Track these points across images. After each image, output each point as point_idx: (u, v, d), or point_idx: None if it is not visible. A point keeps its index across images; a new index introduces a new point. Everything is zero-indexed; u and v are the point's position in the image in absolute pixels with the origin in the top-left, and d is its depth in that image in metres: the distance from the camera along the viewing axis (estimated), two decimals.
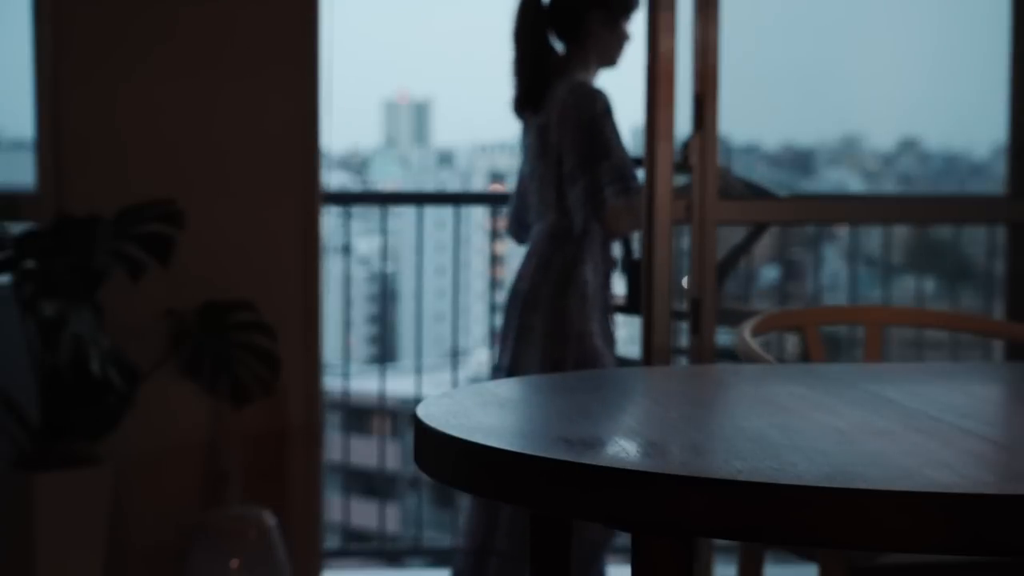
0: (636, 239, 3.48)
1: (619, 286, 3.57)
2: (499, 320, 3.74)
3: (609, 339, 3.44)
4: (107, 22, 3.57)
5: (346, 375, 5.37)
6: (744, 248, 3.55)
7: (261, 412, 3.59)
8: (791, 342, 3.85)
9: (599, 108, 3.34)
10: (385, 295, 8.30)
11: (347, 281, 5.36)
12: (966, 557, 2.10)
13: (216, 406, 3.59)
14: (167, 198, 3.41)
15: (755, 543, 2.39)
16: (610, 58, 3.47)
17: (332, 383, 5.07)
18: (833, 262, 5.94)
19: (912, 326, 3.64)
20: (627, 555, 4.00)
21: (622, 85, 3.58)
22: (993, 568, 2.21)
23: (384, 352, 7.05)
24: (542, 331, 3.36)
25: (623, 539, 3.70)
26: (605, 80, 3.50)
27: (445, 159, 31.16)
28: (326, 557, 3.88)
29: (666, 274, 3.24)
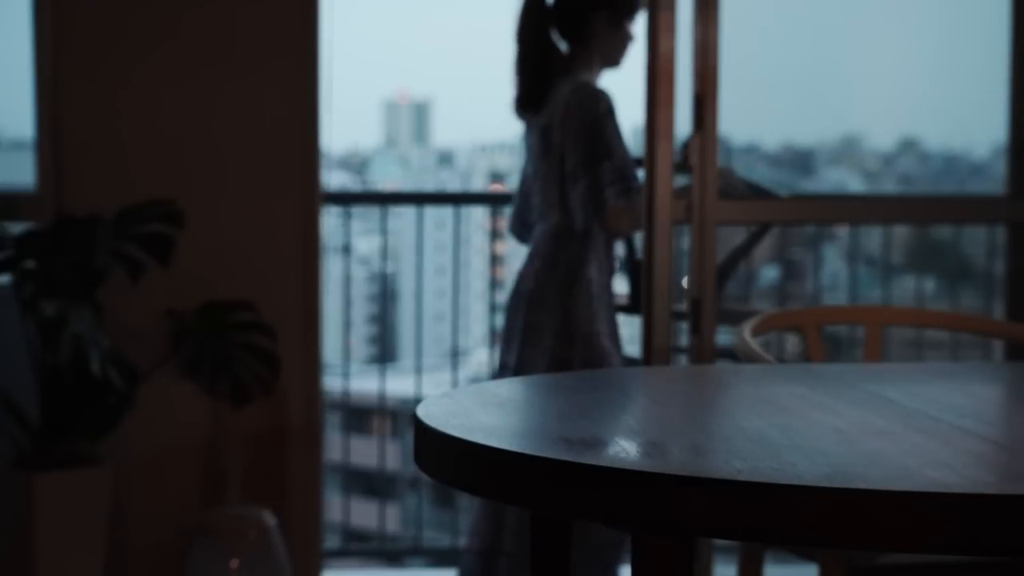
0: (639, 239, 3.49)
1: (621, 286, 3.57)
2: (499, 320, 3.74)
3: (615, 338, 3.44)
4: (107, 22, 3.57)
5: (346, 375, 5.37)
6: (748, 248, 3.55)
7: (261, 412, 3.59)
8: (791, 342, 3.85)
9: (602, 108, 3.34)
10: (385, 295, 8.30)
11: (347, 281, 5.36)
12: (966, 557, 2.10)
13: (216, 406, 3.59)
14: (167, 198, 3.41)
15: (755, 543, 2.39)
16: (614, 59, 3.47)
17: (332, 383, 5.07)
18: (833, 262, 5.94)
19: (912, 326, 3.64)
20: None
21: (622, 85, 3.57)
22: (993, 568, 2.21)
23: (384, 352, 7.05)
24: (549, 331, 3.36)
25: None
26: (605, 80, 3.51)
27: (445, 159, 31.16)
28: (326, 557, 3.88)
29: (666, 274, 3.24)
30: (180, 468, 3.62)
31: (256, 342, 3.47)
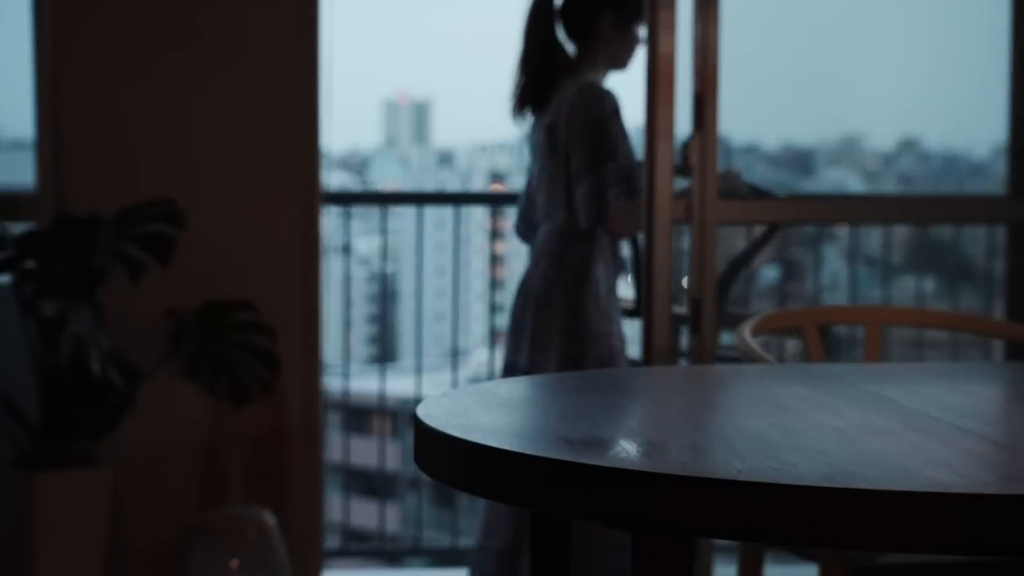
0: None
1: (625, 289, 3.56)
2: (500, 320, 3.74)
3: (622, 339, 3.45)
4: (107, 22, 3.57)
5: (346, 375, 5.37)
6: (755, 251, 3.56)
7: (261, 412, 3.59)
8: (791, 343, 3.85)
9: (608, 108, 3.34)
10: (385, 295, 8.30)
11: (347, 281, 5.36)
12: (966, 557, 2.10)
13: (216, 406, 3.59)
14: (167, 198, 3.41)
15: (755, 543, 2.39)
16: (620, 61, 3.47)
17: (332, 383, 5.07)
18: (833, 262, 5.94)
19: (912, 326, 3.64)
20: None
21: (622, 85, 3.58)
22: (993, 568, 2.21)
23: (384, 352, 7.05)
24: (558, 331, 3.36)
25: None
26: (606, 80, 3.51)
27: (445, 159, 31.18)
28: (326, 557, 3.88)
29: (666, 274, 3.24)
30: (180, 468, 3.62)
31: (256, 342, 3.47)
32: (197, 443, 3.62)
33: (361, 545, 5.36)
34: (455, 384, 4.99)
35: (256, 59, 3.61)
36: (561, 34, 3.47)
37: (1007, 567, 2.20)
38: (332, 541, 4.59)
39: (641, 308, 3.37)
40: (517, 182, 3.71)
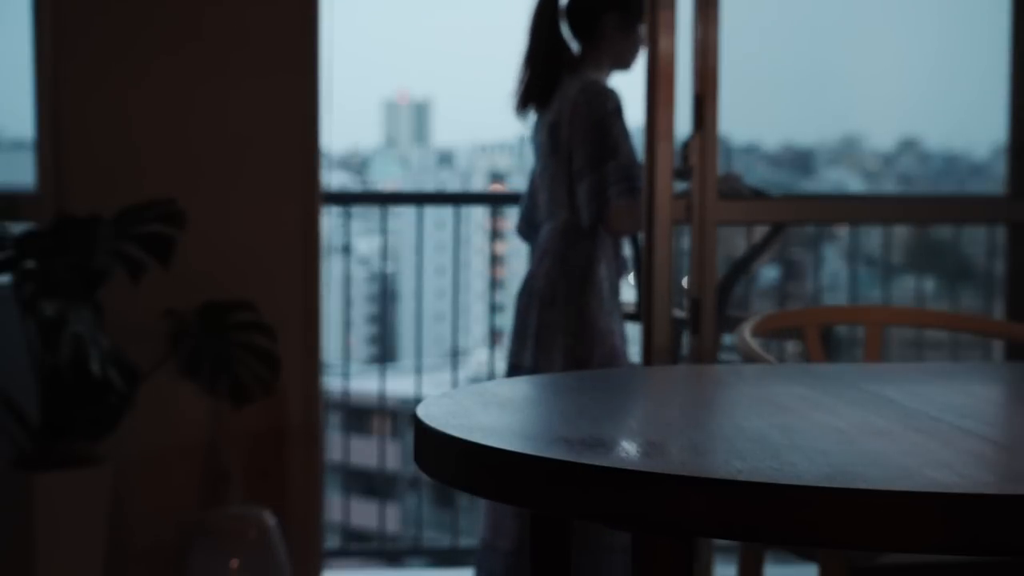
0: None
1: (627, 292, 3.56)
2: (499, 320, 3.74)
3: (624, 339, 3.45)
4: (107, 22, 3.57)
5: (346, 375, 5.37)
6: (759, 252, 3.56)
7: (261, 412, 3.59)
8: (791, 345, 3.84)
9: (610, 107, 3.34)
10: (385, 295, 8.30)
11: (347, 281, 5.36)
12: (966, 557, 2.10)
13: (216, 406, 3.59)
14: (167, 198, 3.41)
15: (755, 543, 2.39)
16: (624, 61, 3.47)
17: (332, 383, 5.07)
18: (833, 262, 5.94)
19: (912, 326, 3.64)
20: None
21: (622, 85, 3.58)
22: (993, 568, 2.21)
23: (384, 352, 7.05)
24: (562, 330, 3.36)
25: None
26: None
27: (445, 159, 31.18)
28: (326, 557, 3.88)
29: (666, 275, 3.24)
30: (180, 468, 3.62)
31: (256, 342, 3.47)
32: (197, 443, 3.62)
33: (361, 545, 5.36)
34: (455, 384, 4.99)
35: (256, 59, 3.61)
36: (566, 32, 3.47)
37: (1007, 567, 2.20)
38: (332, 541, 4.59)
39: (641, 309, 3.37)
40: (517, 182, 3.71)
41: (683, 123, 3.27)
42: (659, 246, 3.23)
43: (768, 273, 5.04)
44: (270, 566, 3.40)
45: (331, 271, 4.73)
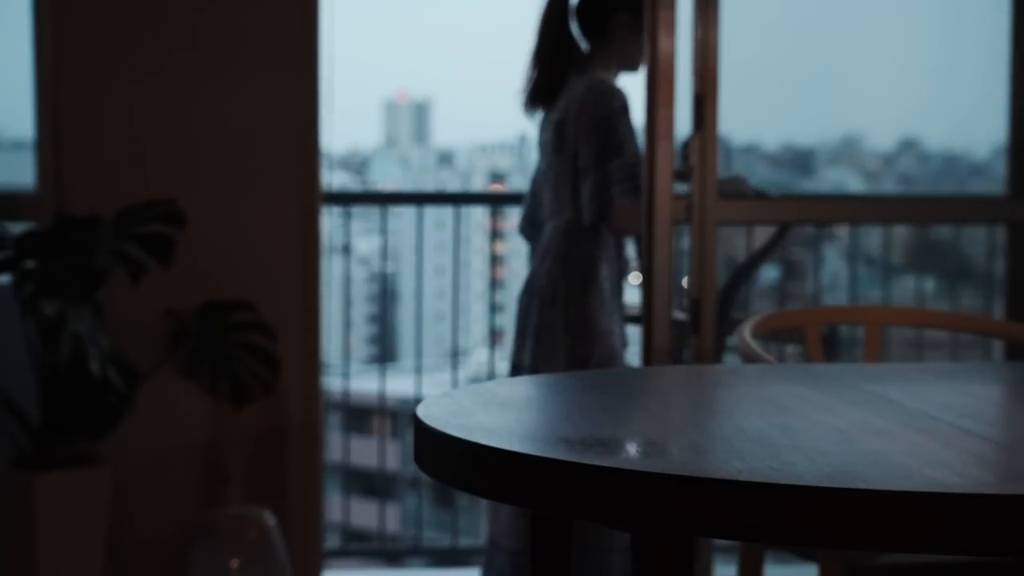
0: None
1: (630, 295, 3.56)
2: (500, 320, 3.73)
3: (623, 340, 3.44)
4: (107, 22, 3.57)
5: (346, 375, 5.37)
6: (764, 255, 3.56)
7: (261, 412, 3.59)
8: (791, 348, 3.84)
9: (616, 106, 3.34)
10: (385, 295, 8.30)
11: (347, 281, 5.36)
12: (966, 557, 2.10)
13: (216, 406, 3.59)
14: (167, 198, 3.41)
15: (755, 543, 2.39)
16: (632, 62, 3.46)
17: (332, 383, 5.07)
18: (833, 262, 5.94)
19: (912, 326, 3.64)
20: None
21: (623, 85, 3.58)
22: (993, 568, 2.21)
23: (384, 352, 7.05)
24: (563, 329, 3.35)
25: None
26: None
27: (445, 159, 31.17)
28: (326, 557, 3.88)
29: (666, 274, 3.24)
30: (180, 468, 3.62)
31: (256, 342, 3.47)
32: (197, 443, 3.62)
33: (361, 545, 5.36)
34: (455, 384, 4.99)
35: (256, 59, 3.61)
36: (575, 31, 3.47)
37: (1007, 567, 2.20)
38: (332, 541, 4.59)
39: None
40: (517, 182, 3.71)
41: (683, 123, 3.27)
42: (659, 246, 3.23)
43: (768, 273, 5.04)
44: (270, 566, 3.40)
45: (331, 271, 4.73)
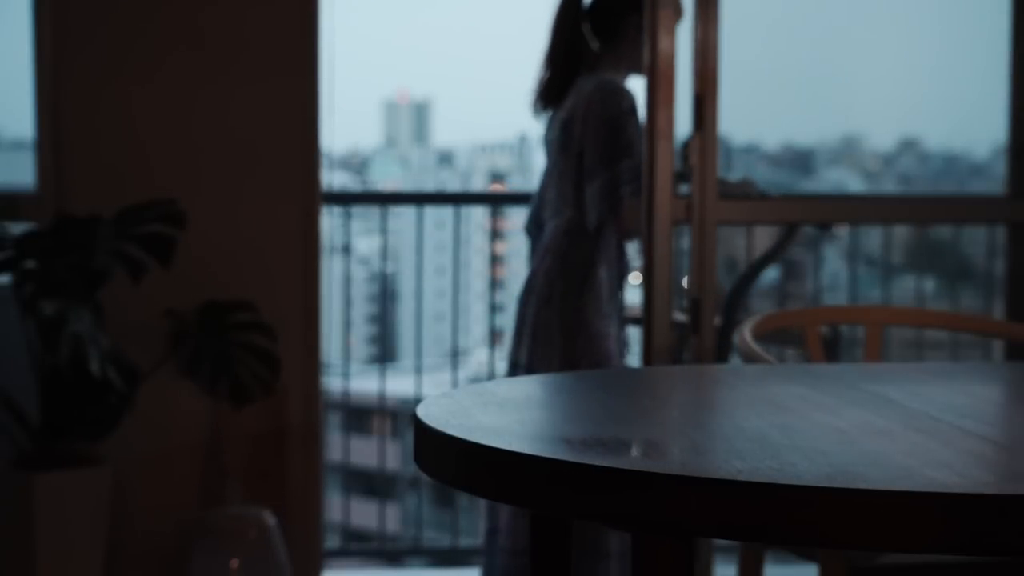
0: None
1: (634, 297, 3.55)
2: (500, 320, 3.74)
3: (623, 345, 3.44)
4: (107, 22, 3.57)
5: (346, 375, 5.37)
6: (778, 251, 3.56)
7: (261, 412, 3.59)
8: (790, 352, 3.84)
9: (625, 106, 3.34)
10: (385, 295, 8.30)
11: (347, 281, 5.36)
12: (966, 557, 2.10)
13: (216, 406, 3.59)
14: (167, 198, 3.41)
15: (755, 543, 2.39)
16: (642, 65, 3.46)
17: (332, 383, 5.07)
18: (833, 262, 5.94)
19: (912, 326, 3.64)
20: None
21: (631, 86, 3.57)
22: (993, 568, 2.21)
23: (384, 352, 7.05)
24: (558, 329, 3.35)
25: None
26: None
27: (445, 159, 31.16)
28: (326, 557, 3.88)
29: (666, 274, 3.24)
30: (180, 468, 3.62)
31: (256, 342, 3.47)
32: (197, 443, 3.62)
33: (361, 545, 5.36)
34: (455, 384, 4.99)
35: (256, 59, 3.61)
36: (587, 31, 3.46)
37: (1007, 567, 2.20)
38: (332, 541, 4.59)
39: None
40: (517, 182, 3.71)
41: (683, 123, 3.27)
42: (659, 246, 3.23)
43: (768, 273, 5.04)
44: (270, 566, 3.40)
45: (331, 271, 4.73)
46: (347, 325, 5.31)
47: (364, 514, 6.49)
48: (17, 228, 3.43)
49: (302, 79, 3.60)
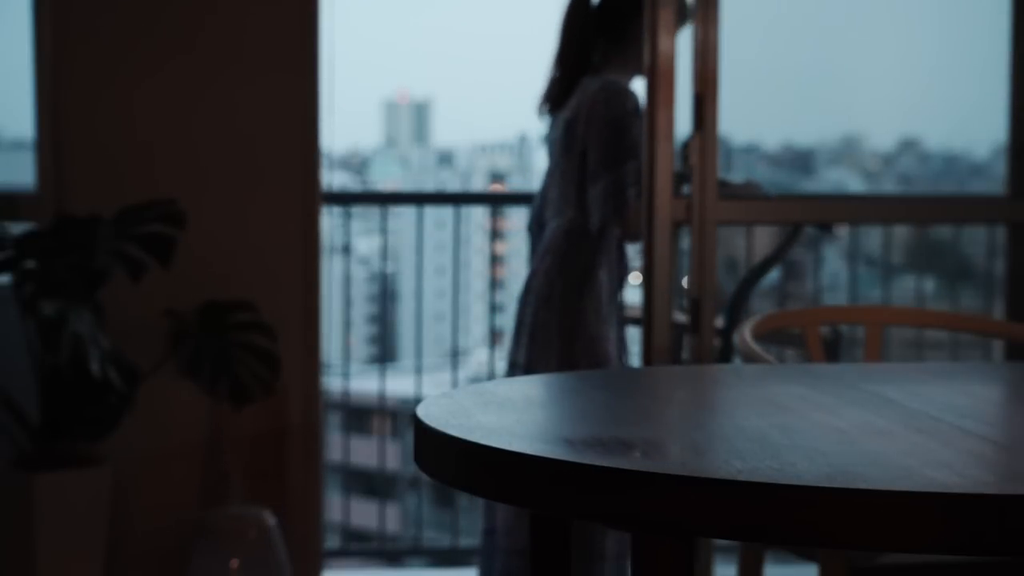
0: None
1: (635, 296, 3.55)
2: (500, 320, 3.74)
3: (622, 347, 3.43)
4: (107, 22, 3.57)
5: (346, 375, 5.37)
6: (782, 252, 3.56)
7: (261, 412, 3.59)
8: (790, 352, 3.84)
9: (629, 107, 3.33)
10: (385, 295, 8.30)
11: (347, 281, 5.36)
12: (966, 557, 2.10)
13: (216, 406, 3.59)
14: (167, 198, 3.41)
15: (755, 543, 2.39)
16: None
17: (332, 383, 5.07)
18: (833, 262, 5.94)
19: (912, 326, 3.64)
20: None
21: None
22: (993, 568, 2.21)
23: (384, 352, 7.05)
24: (557, 330, 3.35)
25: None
26: None
27: (445, 159, 31.15)
28: (326, 557, 3.88)
29: (666, 275, 3.24)
30: (180, 468, 3.62)
31: (256, 342, 3.47)
32: (197, 443, 3.62)
33: (361, 545, 5.36)
34: (455, 384, 4.99)
35: (256, 59, 3.61)
36: (595, 32, 3.46)
37: (1007, 567, 2.20)
38: (332, 541, 4.59)
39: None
40: (517, 182, 3.71)
41: (683, 123, 3.27)
42: (659, 246, 3.23)
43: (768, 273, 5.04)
44: (270, 566, 3.40)
45: (331, 271, 4.73)
46: (347, 325, 5.32)
47: (364, 514, 6.49)
48: (17, 228, 3.43)
49: (302, 79, 3.60)
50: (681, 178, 3.29)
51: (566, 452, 1.37)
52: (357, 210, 6.58)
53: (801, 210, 3.54)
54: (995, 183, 3.86)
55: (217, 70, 3.60)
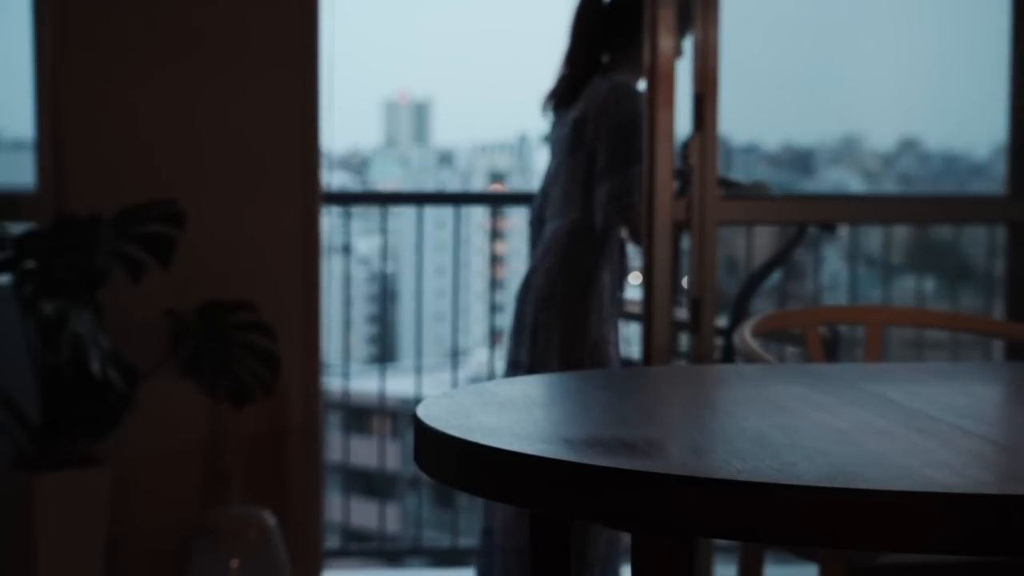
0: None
1: (634, 293, 3.55)
2: (499, 320, 3.73)
3: (619, 348, 3.43)
4: (107, 22, 3.57)
5: (346, 375, 5.37)
6: (787, 253, 3.56)
7: (261, 412, 3.59)
8: (790, 350, 3.84)
9: (640, 109, 3.32)
10: (385, 295, 8.30)
11: (347, 281, 5.36)
12: (966, 557, 2.10)
13: (216, 406, 3.59)
14: (167, 198, 3.41)
15: (755, 543, 2.39)
16: None
17: (332, 383, 5.07)
18: (833, 262, 5.94)
19: (912, 326, 3.64)
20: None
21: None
22: (993, 568, 2.21)
23: (384, 352, 7.05)
24: (559, 332, 3.34)
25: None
26: None
27: (445, 159, 31.16)
28: (326, 557, 3.88)
29: (667, 275, 3.24)
30: (180, 468, 3.62)
31: (256, 342, 3.47)
32: (197, 443, 3.62)
33: (361, 545, 5.36)
34: (455, 384, 4.99)
35: (256, 59, 3.61)
36: (605, 34, 3.46)
37: (1007, 567, 2.20)
38: (332, 541, 4.59)
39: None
40: (517, 182, 3.70)
41: (683, 123, 3.27)
42: (659, 247, 3.23)
43: None
44: (270, 566, 3.40)
45: (331, 271, 4.73)
46: (347, 325, 5.32)
47: (364, 514, 6.49)
48: (17, 228, 3.43)
49: (302, 79, 3.60)
50: (681, 177, 3.29)
51: (566, 452, 1.37)
52: (357, 210, 6.58)
53: (801, 210, 3.55)
54: (995, 183, 3.86)
55: (217, 70, 3.60)
